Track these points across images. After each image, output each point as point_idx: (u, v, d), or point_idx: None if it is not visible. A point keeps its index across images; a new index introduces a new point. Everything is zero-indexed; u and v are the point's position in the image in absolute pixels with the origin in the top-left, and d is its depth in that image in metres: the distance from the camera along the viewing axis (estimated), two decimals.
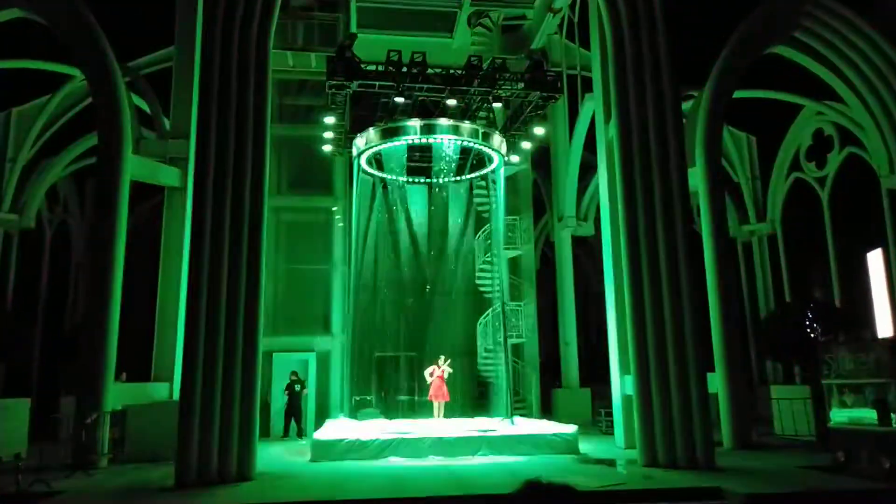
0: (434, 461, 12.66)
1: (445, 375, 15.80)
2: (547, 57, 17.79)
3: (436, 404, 15.78)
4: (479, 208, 19.59)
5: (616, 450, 14.31)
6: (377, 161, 17.79)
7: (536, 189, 24.13)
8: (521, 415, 17.71)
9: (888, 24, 16.36)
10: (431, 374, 15.83)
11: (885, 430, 10.25)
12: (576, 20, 20.80)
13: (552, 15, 20.59)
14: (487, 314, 18.52)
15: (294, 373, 17.69)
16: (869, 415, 10.67)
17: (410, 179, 18.77)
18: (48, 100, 19.49)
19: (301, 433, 17.39)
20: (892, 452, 9.97)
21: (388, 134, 16.50)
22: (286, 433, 17.41)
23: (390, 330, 18.02)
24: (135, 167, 14.60)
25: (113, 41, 14.43)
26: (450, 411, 16.37)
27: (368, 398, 17.44)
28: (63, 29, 14.44)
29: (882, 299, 18.32)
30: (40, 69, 18.70)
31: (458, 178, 18.75)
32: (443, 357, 16.12)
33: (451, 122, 16.55)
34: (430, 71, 15.45)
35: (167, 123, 16.15)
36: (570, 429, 14.00)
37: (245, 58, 12.21)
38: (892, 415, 10.30)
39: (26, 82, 19.17)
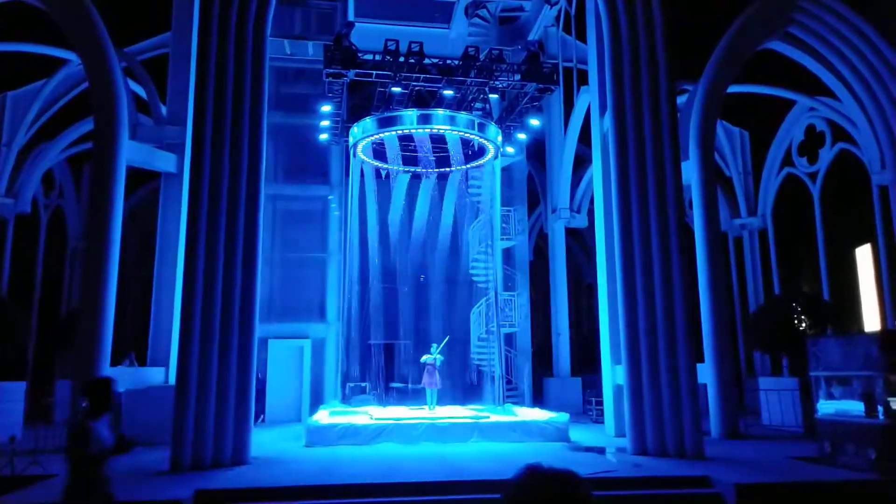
0: (427, 447, 12.82)
1: (437, 364, 15.97)
2: (543, 49, 17.81)
3: (428, 391, 15.96)
4: (474, 199, 19.67)
5: (606, 438, 14.49)
6: (373, 150, 17.84)
7: (531, 180, 24.22)
8: (514, 403, 17.88)
9: (882, 20, 16.46)
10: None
11: (872, 422, 10.41)
12: (573, 13, 20.84)
13: (549, 7, 20.66)
14: (481, 303, 18.65)
15: None
16: (856, 407, 10.84)
17: (406, 169, 18.82)
18: (44, 84, 19.37)
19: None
20: (877, 444, 10.14)
21: (384, 123, 16.54)
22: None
23: (385, 318, 18.13)
24: (131, 153, 14.62)
25: (109, 26, 14.40)
26: (442, 399, 16.55)
27: (362, 385, 17.56)
28: (60, 13, 14.38)
29: (870, 294, 18.56)
30: (36, 53, 18.59)
31: (453, 168, 18.82)
32: (435, 345, 16.27)
33: (448, 112, 16.60)
34: (427, 61, 15.50)
35: (164, 110, 16.14)
36: (562, 417, 14.18)
37: (242, 45, 12.22)
38: (879, 407, 10.45)
39: (22, 65, 19.02)
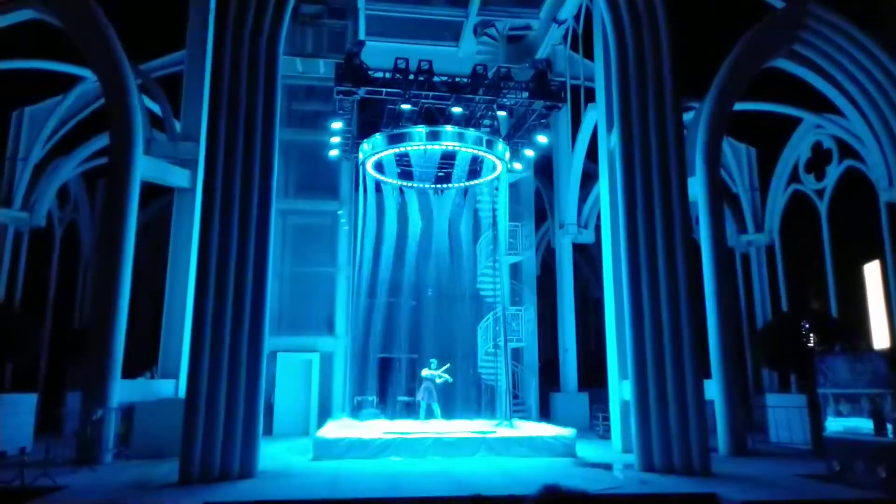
0: (433, 461, 12.85)
1: (440, 381, 16.09)
2: (551, 67, 18.01)
3: (422, 404, 16.11)
4: (482, 214, 19.80)
5: (613, 454, 14.48)
6: (383, 166, 18.02)
7: (538, 196, 24.34)
8: (520, 418, 17.85)
9: (889, 37, 16.54)
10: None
11: (881, 440, 10.38)
12: (580, 31, 21.10)
13: (557, 26, 20.89)
14: (488, 318, 18.70)
15: None
16: (865, 424, 10.81)
17: (415, 185, 18.99)
18: (60, 100, 19.73)
19: None
20: (887, 462, 10.10)
21: (393, 140, 16.73)
22: None
23: (393, 332, 18.21)
24: (145, 168, 14.82)
25: (125, 44, 14.68)
26: (450, 413, 16.59)
27: (370, 398, 17.62)
28: (76, 31, 14.69)
29: (878, 311, 18.48)
30: (53, 70, 18.94)
31: (461, 184, 18.97)
32: (434, 361, 16.36)
33: (456, 129, 16.78)
34: (436, 79, 15.70)
35: (178, 126, 16.40)
36: (568, 432, 14.17)
37: (255, 63, 12.45)
38: (888, 425, 10.42)
39: (39, 82, 19.38)
